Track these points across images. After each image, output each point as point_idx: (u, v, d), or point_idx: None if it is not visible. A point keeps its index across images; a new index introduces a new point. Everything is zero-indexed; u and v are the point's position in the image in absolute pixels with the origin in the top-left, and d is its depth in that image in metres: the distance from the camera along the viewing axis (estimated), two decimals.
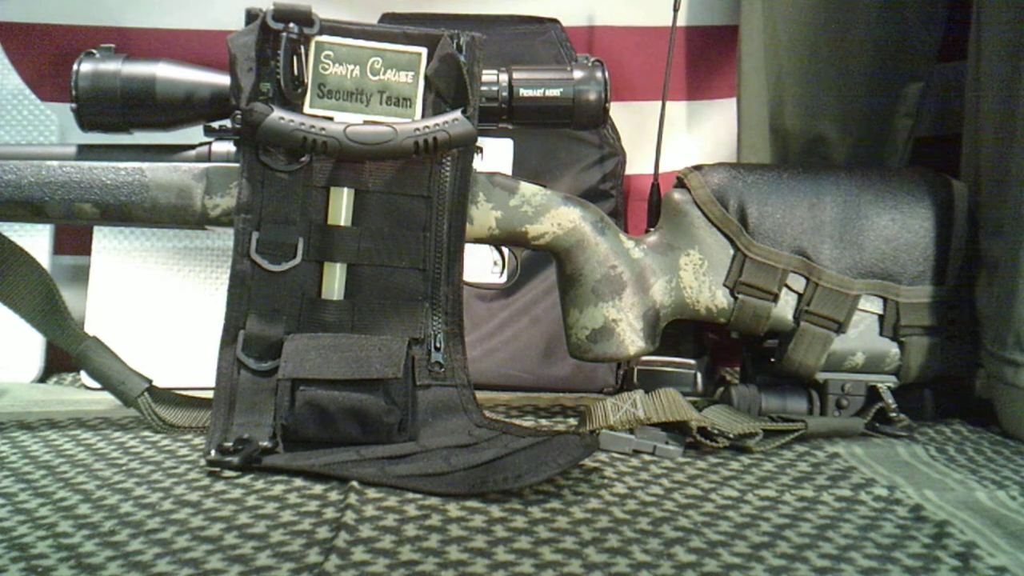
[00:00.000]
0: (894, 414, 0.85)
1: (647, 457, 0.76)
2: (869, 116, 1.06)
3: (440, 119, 0.76)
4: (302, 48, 0.76)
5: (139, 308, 1.04)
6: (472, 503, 0.64)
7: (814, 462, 0.76)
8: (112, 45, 0.78)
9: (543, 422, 0.87)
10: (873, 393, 0.87)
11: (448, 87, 0.78)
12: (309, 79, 0.77)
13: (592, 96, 0.81)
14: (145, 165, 0.78)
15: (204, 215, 0.79)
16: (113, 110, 0.77)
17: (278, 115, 0.74)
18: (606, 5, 1.08)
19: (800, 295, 0.87)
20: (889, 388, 0.86)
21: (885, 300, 0.87)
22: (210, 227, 0.80)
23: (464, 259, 0.80)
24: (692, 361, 0.96)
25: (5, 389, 0.96)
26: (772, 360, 0.90)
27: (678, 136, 1.12)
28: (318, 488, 0.67)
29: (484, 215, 0.82)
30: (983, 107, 0.91)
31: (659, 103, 0.99)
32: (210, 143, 0.80)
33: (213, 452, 0.71)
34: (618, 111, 1.03)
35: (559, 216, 0.83)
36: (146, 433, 0.81)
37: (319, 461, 0.70)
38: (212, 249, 1.06)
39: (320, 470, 0.69)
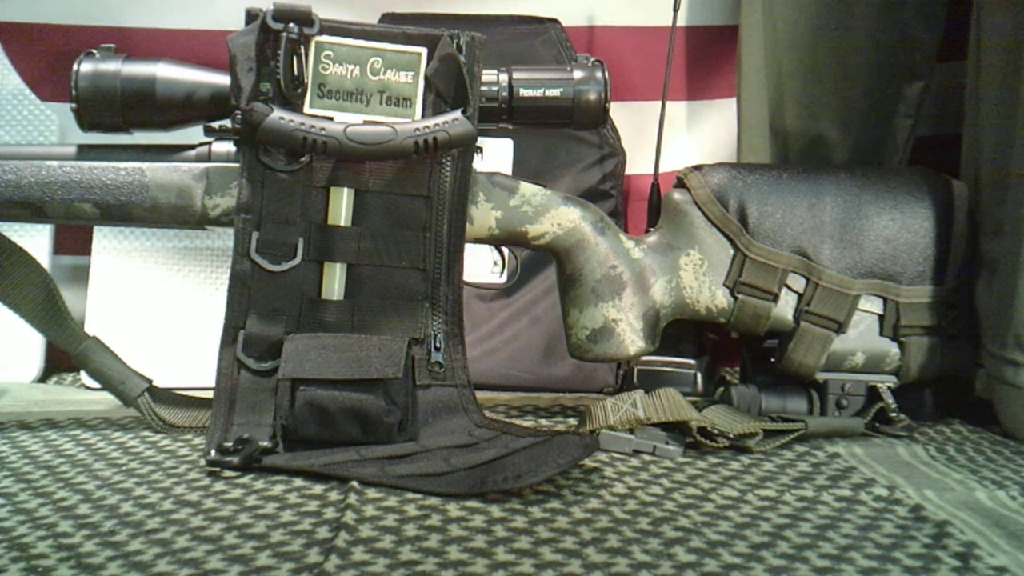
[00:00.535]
0: (894, 414, 0.85)
1: (647, 457, 0.76)
2: (869, 116, 1.06)
3: (440, 119, 0.76)
4: (302, 48, 0.76)
5: (139, 308, 1.04)
6: (472, 503, 0.64)
7: (814, 462, 0.76)
8: (112, 45, 0.78)
9: (543, 422, 0.87)
10: (873, 393, 0.87)
11: (448, 87, 0.78)
12: (309, 79, 0.77)
13: (592, 96, 0.81)
14: (145, 165, 0.78)
15: (204, 215, 0.79)
16: (113, 110, 0.77)
17: (278, 115, 0.74)
18: (606, 5, 1.08)
19: (800, 295, 0.87)
20: (889, 388, 0.86)
21: (885, 300, 0.87)
22: (210, 227, 0.80)
23: (464, 259, 0.80)
24: (692, 361, 0.96)
25: (5, 389, 0.96)
26: (772, 360, 0.90)
27: (678, 136, 1.12)
28: (318, 488, 0.67)
29: (484, 215, 0.82)
30: (983, 107, 0.91)
31: (659, 103, 0.99)
32: (210, 143, 0.80)
33: (213, 452, 0.71)
34: (618, 111, 1.03)
35: (559, 216, 0.83)
36: (146, 433, 0.81)
37: (319, 461, 0.70)
38: (212, 249, 1.06)
39: (320, 470, 0.69)
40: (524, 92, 0.80)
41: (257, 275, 0.77)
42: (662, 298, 0.86)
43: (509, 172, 0.97)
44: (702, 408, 0.82)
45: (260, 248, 0.77)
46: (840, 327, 0.86)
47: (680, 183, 0.90)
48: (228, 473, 0.69)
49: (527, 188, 0.83)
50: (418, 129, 0.75)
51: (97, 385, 0.84)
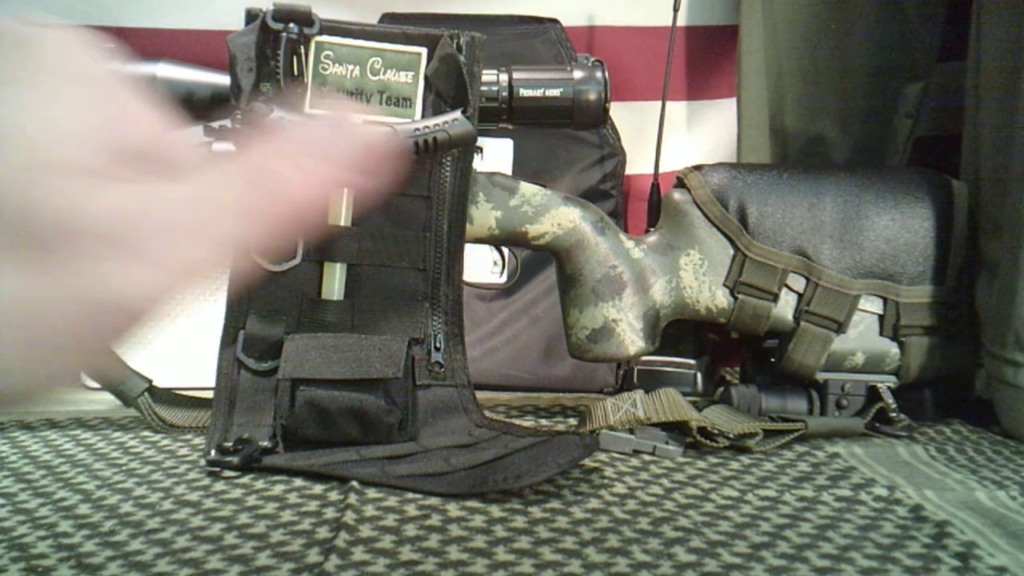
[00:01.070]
0: (894, 414, 0.85)
1: (647, 457, 0.76)
2: (869, 116, 1.06)
3: (440, 119, 0.76)
4: (302, 48, 0.76)
5: None
6: (472, 503, 0.64)
7: (814, 462, 0.76)
8: (112, 45, 0.78)
9: (543, 422, 0.87)
10: (873, 393, 0.87)
11: (448, 87, 0.78)
12: (309, 79, 0.77)
13: (592, 96, 0.81)
14: None
15: None
16: None
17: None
18: (606, 5, 1.08)
19: (800, 295, 0.87)
20: (889, 388, 0.86)
21: (885, 300, 0.87)
22: None
23: (464, 259, 0.81)
24: (692, 361, 0.97)
25: None
26: (772, 360, 0.90)
27: (678, 136, 1.12)
28: (318, 488, 0.67)
29: (484, 215, 0.82)
30: (983, 107, 0.91)
31: (659, 103, 0.99)
32: (210, 143, 0.80)
33: (213, 452, 0.71)
34: (618, 111, 1.03)
35: (559, 216, 0.83)
36: (146, 433, 0.81)
37: (319, 461, 0.70)
38: None
39: (320, 470, 0.69)
40: (524, 92, 0.80)
41: (257, 275, 0.77)
42: (662, 298, 0.86)
43: (509, 172, 0.97)
44: (702, 408, 0.82)
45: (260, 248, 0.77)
46: (840, 327, 0.86)
47: (680, 183, 0.90)
48: (228, 473, 0.69)
49: (527, 188, 0.83)
50: (418, 129, 0.75)
51: (97, 385, 0.84)
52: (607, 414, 0.78)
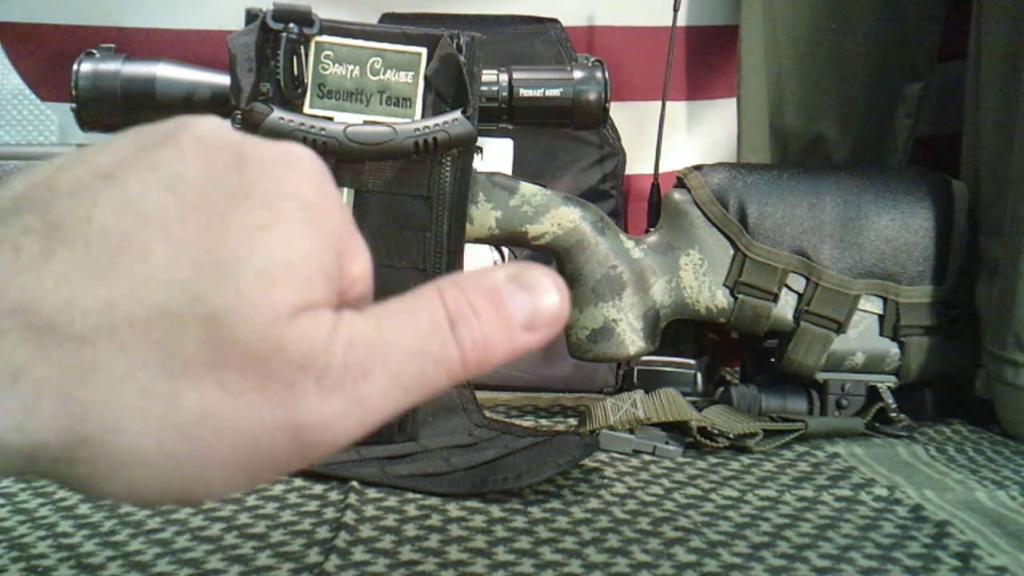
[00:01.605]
0: (894, 414, 0.85)
1: (647, 457, 0.76)
2: (869, 116, 1.06)
3: (440, 119, 0.76)
4: (302, 48, 0.76)
5: None
6: (472, 503, 0.64)
7: (814, 462, 0.76)
8: (112, 45, 0.78)
9: (543, 422, 0.87)
10: (873, 393, 0.87)
11: (448, 87, 0.78)
12: (309, 79, 0.77)
13: (592, 96, 0.81)
14: None
15: None
16: (113, 110, 0.77)
17: (278, 115, 0.74)
18: (606, 5, 1.08)
19: (800, 295, 0.87)
20: (889, 388, 0.86)
21: (885, 300, 0.87)
22: None
23: (464, 259, 0.80)
24: (692, 361, 0.96)
25: None
26: (772, 360, 0.90)
27: (678, 136, 1.12)
28: (318, 488, 0.67)
29: (484, 215, 0.82)
30: (983, 107, 0.91)
31: (659, 103, 0.99)
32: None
33: None
34: (618, 111, 1.03)
35: (559, 216, 0.83)
36: None
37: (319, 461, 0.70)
38: None
39: (320, 470, 0.69)
40: (524, 92, 0.80)
41: None
42: (662, 298, 0.86)
43: (509, 172, 0.97)
44: (702, 408, 0.82)
45: None
46: (840, 327, 0.86)
47: (680, 183, 0.90)
48: None
49: (527, 188, 0.83)
50: (418, 129, 0.75)
51: None
52: (607, 414, 0.78)
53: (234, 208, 0.26)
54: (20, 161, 0.78)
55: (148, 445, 0.25)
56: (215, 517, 0.60)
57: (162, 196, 0.25)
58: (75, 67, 0.76)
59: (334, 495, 0.65)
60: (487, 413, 0.79)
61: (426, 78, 0.78)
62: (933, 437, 0.85)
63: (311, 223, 0.27)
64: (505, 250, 0.88)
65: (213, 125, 0.28)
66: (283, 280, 0.26)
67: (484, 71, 0.79)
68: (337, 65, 0.77)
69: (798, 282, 0.87)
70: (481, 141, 0.79)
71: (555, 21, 1.05)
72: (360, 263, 0.31)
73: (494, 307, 0.28)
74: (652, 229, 0.91)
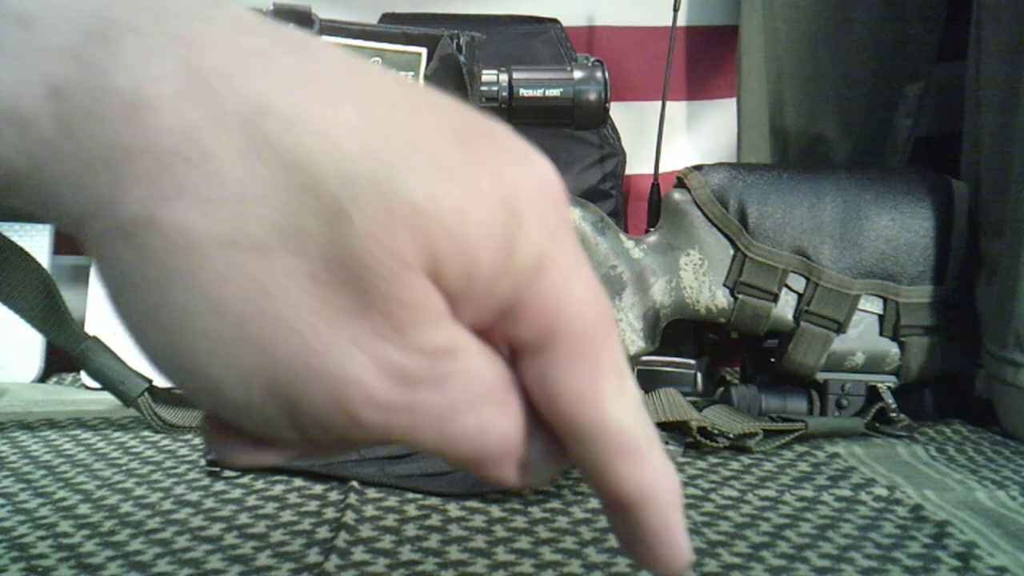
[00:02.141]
0: (894, 414, 0.85)
1: None
2: (869, 116, 1.06)
3: None
4: None
5: None
6: (472, 503, 0.64)
7: (814, 462, 0.76)
8: None
9: None
10: (873, 393, 0.87)
11: (448, 87, 0.78)
12: None
13: (592, 96, 0.81)
14: None
15: None
16: None
17: None
18: (606, 5, 1.08)
19: (800, 295, 0.87)
20: (889, 388, 0.86)
21: (885, 300, 0.87)
22: None
23: None
24: (692, 361, 0.96)
25: (5, 389, 0.96)
26: (772, 360, 0.90)
27: (678, 136, 1.12)
28: (318, 488, 0.67)
29: None
30: (983, 107, 0.91)
31: (659, 103, 0.99)
32: None
33: (213, 452, 0.70)
34: (618, 111, 1.03)
35: None
36: (146, 433, 0.81)
37: (319, 461, 0.70)
38: None
39: (320, 470, 0.69)
40: (524, 92, 0.80)
41: None
42: (662, 298, 0.86)
43: None
44: (702, 408, 0.82)
45: None
46: (840, 327, 0.86)
47: (680, 183, 0.90)
48: (228, 473, 0.69)
49: None
50: None
51: (97, 385, 0.84)
52: None
53: None
54: None
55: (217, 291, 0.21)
56: (215, 517, 0.60)
57: None
58: None
59: (334, 495, 0.65)
60: None
61: (426, 78, 0.78)
62: (933, 437, 0.85)
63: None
64: None
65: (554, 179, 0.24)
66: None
67: (484, 71, 0.79)
68: None
69: (798, 282, 0.87)
70: None
71: (555, 21, 1.05)
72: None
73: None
74: (652, 229, 0.91)
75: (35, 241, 1.05)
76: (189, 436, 0.80)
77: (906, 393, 0.87)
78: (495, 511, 0.62)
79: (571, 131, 1.00)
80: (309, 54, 0.22)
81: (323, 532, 0.58)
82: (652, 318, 0.85)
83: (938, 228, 0.88)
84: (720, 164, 0.92)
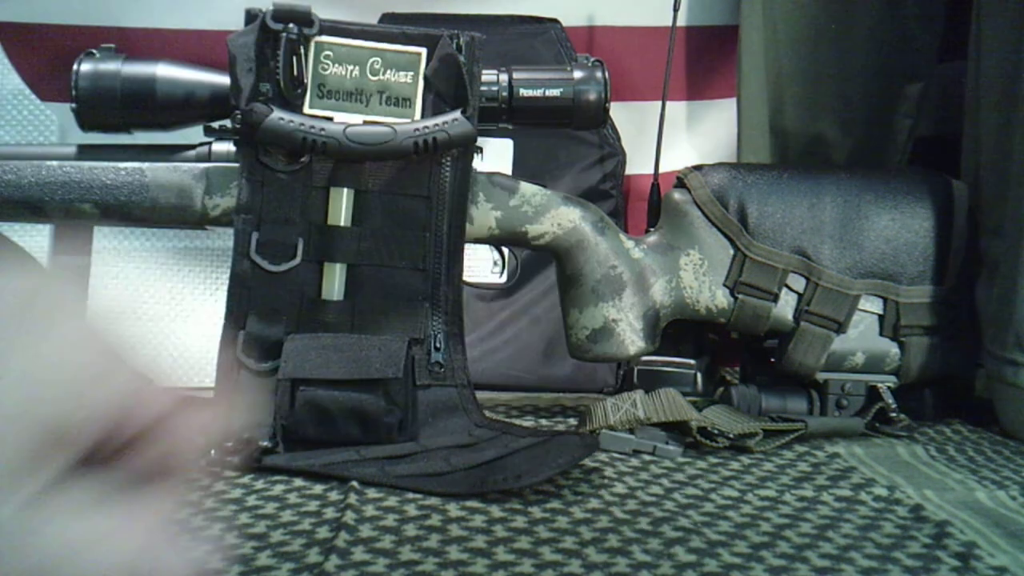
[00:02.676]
0: (894, 414, 0.85)
1: (647, 457, 0.76)
2: (869, 116, 1.06)
3: (440, 119, 0.76)
4: (302, 48, 0.76)
5: (139, 308, 1.04)
6: (472, 503, 0.64)
7: (814, 462, 0.76)
8: (112, 45, 0.78)
9: (543, 422, 0.87)
10: (873, 393, 0.87)
11: (448, 87, 0.78)
12: (309, 79, 0.77)
13: (592, 96, 0.81)
14: (145, 165, 0.78)
15: (204, 215, 0.79)
16: (113, 110, 0.77)
17: (278, 115, 0.74)
18: (606, 5, 1.08)
19: (800, 295, 0.87)
20: (889, 388, 0.86)
21: (885, 300, 0.87)
22: (210, 227, 0.80)
23: (464, 259, 0.80)
24: (692, 361, 0.96)
25: None
26: (772, 360, 0.90)
27: (678, 136, 1.12)
28: (318, 488, 0.67)
29: (484, 215, 0.82)
30: (983, 107, 0.91)
31: (659, 103, 0.99)
32: (210, 143, 0.80)
33: (213, 452, 0.70)
34: (618, 111, 1.03)
35: (559, 216, 0.83)
36: None
37: (319, 461, 0.70)
38: (212, 249, 1.06)
39: (320, 470, 0.69)
40: (524, 92, 0.80)
41: (257, 275, 0.77)
42: (662, 298, 0.86)
43: (509, 172, 0.97)
44: (702, 408, 0.82)
45: (260, 248, 0.77)
46: (840, 327, 0.86)
47: (680, 183, 0.90)
48: (228, 473, 0.69)
49: (527, 188, 0.83)
50: (418, 129, 0.75)
51: None
52: (607, 414, 0.78)
53: None
54: (20, 161, 0.78)
55: None
56: (215, 517, 0.60)
57: None
58: (75, 67, 0.76)
59: (334, 495, 0.65)
60: (487, 413, 0.79)
61: (426, 78, 0.78)
62: (933, 437, 0.85)
63: None
64: (505, 250, 0.88)
65: None
66: None
67: (484, 71, 0.79)
68: (337, 65, 0.77)
69: (798, 282, 0.87)
70: (481, 141, 0.79)
71: (555, 21, 1.05)
72: None
73: None
74: (652, 229, 0.91)
75: (35, 241, 1.05)
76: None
77: (906, 393, 0.87)
78: (495, 511, 0.62)
79: (571, 131, 1.00)
80: None
81: (323, 532, 0.58)
82: (652, 318, 0.85)
83: (938, 228, 0.88)
84: (720, 164, 0.92)
